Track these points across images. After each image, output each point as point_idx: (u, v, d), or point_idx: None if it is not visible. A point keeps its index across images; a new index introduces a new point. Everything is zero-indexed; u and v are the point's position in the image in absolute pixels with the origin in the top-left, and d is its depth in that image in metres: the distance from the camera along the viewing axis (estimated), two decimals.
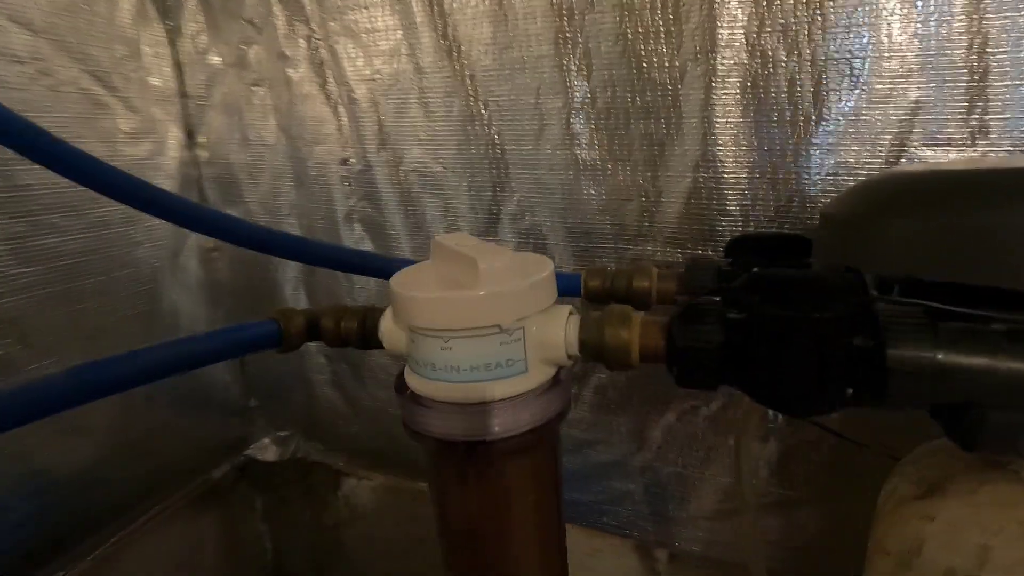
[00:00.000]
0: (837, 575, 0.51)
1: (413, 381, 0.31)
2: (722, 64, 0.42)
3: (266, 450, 0.83)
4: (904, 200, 0.27)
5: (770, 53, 0.40)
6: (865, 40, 0.38)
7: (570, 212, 0.50)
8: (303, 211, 0.63)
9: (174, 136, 0.62)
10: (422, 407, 0.30)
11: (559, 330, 0.29)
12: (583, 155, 0.48)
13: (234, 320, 0.73)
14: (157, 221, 0.45)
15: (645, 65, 0.43)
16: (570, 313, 0.30)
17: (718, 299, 0.28)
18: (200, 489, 0.77)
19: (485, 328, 0.28)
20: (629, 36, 0.43)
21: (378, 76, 0.55)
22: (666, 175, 0.46)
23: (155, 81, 0.60)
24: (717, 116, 0.43)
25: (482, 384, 0.29)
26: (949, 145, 0.38)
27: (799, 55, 0.39)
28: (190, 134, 0.65)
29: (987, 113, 0.36)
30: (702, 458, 0.53)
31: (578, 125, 0.48)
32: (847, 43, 0.38)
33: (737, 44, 0.41)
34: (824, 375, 0.25)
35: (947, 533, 0.29)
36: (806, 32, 0.39)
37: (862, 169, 0.39)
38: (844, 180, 0.39)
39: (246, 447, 0.82)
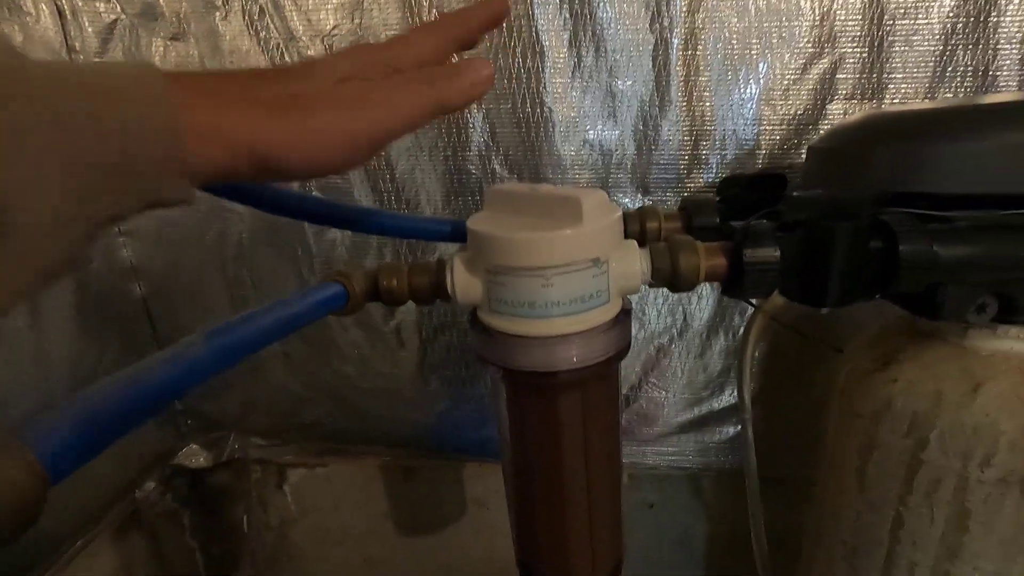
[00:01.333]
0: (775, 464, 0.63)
1: (504, 324, 0.32)
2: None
3: (195, 456, 0.74)
4: (884, 134, 0.35)
5: None
6: None
7: (555, 169, 0.53)
8: None
9: None
10: (514, 345, 0.32)
11: (636, 261, 0.33)
12: (565, 113, 0.51)
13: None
14: None
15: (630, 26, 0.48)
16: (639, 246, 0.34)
17: (764, 221, 0.34)
18: (122, 515, 0.67)
19: (583, 262, 0.31)
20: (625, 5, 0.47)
21: (337, 33, 0.51)
22: (646, 130, 0.51)
23: (39, 33, 0.49)
24: (693, 76, 0.49)
25: (577, 316, 0.31)
26: None
27: None
28: None
29: None
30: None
31: (559, 84, 0.51)
32: None
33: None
34: (855, 272, 0.32)
35: (908, 389, 0.39)
36: None
37: None
38: None
39: (173, 457, 0.73)
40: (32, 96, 0.16)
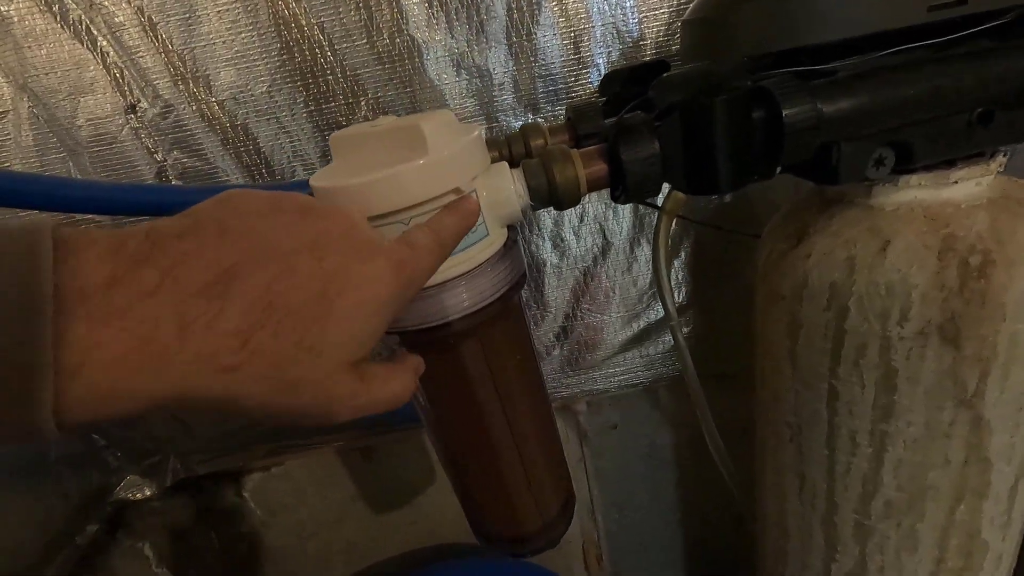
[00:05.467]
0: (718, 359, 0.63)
1: None
2: None
3: (138, 487, 0.70)
4: None
5: None
6: None
7: (435, 103, 0.48)
8: None
9: None
10: None
11: (507, 184, 0.29)
12: (428, 36, 0.46)
13: None
14: None
15: None
16: (510, 167, 0.30)
17: (639, 113, 0.30)
18: (67, 566, 0.63)
19: (444, 196, 0.27)
20: None
21: None
22: (520, 40, 0.46)
23: None
24: None
25: (455, 257, 0.28)
26: None
27: None
28: None
29: None
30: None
31: (413, 3, 0.45)
32: None
33: None
34: (742, 147, 0.29)
35: (823, 261, 0.38)
36: None
37: None
38: None
39: (111, 494, 0.68)
40: None
